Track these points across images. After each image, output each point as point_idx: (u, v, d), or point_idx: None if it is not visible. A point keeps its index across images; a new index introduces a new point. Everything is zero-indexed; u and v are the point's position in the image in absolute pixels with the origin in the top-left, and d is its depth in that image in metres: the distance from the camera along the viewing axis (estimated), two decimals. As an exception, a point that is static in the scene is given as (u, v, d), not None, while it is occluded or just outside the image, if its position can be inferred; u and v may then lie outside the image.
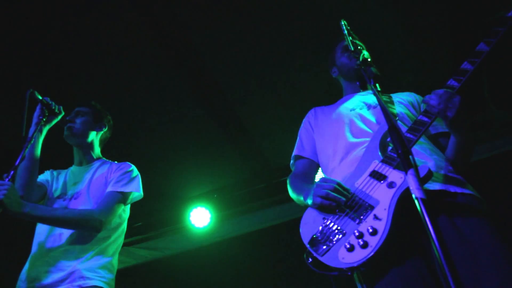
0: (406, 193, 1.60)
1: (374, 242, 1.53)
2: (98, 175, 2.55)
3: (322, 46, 3.67)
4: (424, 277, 1.53)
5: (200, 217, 4.90)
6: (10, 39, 3.43)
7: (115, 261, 2.41)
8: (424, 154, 1.84)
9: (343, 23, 1.81)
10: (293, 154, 2.36)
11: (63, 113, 2.56)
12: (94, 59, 3.69)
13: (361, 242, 1.54)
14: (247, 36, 3.66)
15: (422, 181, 1.32)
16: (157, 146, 4.47)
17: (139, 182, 2.55)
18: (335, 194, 1.72)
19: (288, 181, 2.21)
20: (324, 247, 1.64)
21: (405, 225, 1.59)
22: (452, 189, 1.71)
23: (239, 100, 4.17)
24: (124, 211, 2.56)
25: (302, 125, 2.45)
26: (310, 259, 1.64)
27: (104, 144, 2.86)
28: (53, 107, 2.48)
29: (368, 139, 1.95)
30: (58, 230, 2.32)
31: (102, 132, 2.79)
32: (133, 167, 2.61)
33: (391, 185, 1.66)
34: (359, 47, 1.68)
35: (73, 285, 2.15)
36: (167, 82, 3.95)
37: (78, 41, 3.50)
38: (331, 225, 1.69)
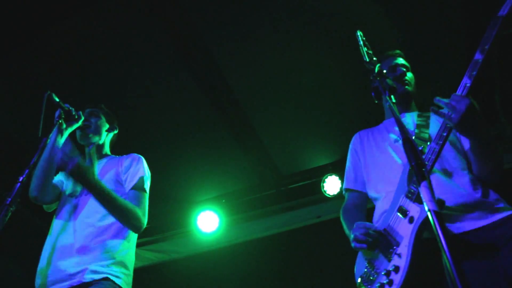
0: (425, 224, 1.65)
1: (397, 279, 1.60)
2: (108, 169, 2.59)
3: (333, 52, 3.71)
4: None
5: (208, 222, 4.92)
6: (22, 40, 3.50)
7: (130, 256, 2.42)
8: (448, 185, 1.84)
9: (358, 34, 1.80)
10: (344, 186, 2.37)
11: (82, 118, 2.60)
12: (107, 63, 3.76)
13: (388, 281, 1.63)
14: (267, 50, 3.70)
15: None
16: (166, 148, 4.49)
17: (147, 167, 2.63)
18: (364, 237, 1.83)
19: (340, 215, 2.25)
20: (367, 287, 1.77)
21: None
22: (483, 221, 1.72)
23: (251, 106, 4.19)
24: None
25: (349, 152, 2.42)
26: None
27: (112, 145, 2.90)
28: (73, 113, 2.52)
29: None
30: (72, 227, 2.35)
31: (112, 133, 2.85)
32: (141, 157, 2.66)
33: (411, 220, 1.70)
34: (374, 59, 1.68)
35: (85, 278, 2.17)
36: (177, 84, 3.99)
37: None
38: (370, 265, 1.81)
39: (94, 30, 3.52)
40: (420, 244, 1.64)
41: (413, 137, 1.99)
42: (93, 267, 2.21)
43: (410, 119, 2.19)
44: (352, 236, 1.90)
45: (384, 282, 1.66)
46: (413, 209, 1.71)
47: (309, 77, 3.95)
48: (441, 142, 1.77)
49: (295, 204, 4.83)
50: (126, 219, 2.31)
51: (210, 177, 4.85)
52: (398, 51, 2.45)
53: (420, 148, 1.85)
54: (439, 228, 0.97)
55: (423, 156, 1.78)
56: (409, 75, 2.35)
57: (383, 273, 1.69)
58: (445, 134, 1.77)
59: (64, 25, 3.42)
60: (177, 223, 5.21)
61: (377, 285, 1.69)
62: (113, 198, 2.27)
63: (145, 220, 2.38)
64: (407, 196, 1.78)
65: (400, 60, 2.38)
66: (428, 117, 2.15)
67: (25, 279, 2.44)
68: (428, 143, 1.94)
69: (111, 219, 2.38)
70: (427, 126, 2.08)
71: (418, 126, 2.10)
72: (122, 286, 2.27)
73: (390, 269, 1.66)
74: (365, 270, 1.83)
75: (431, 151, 1.78)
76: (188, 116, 4.26)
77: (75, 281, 2.17)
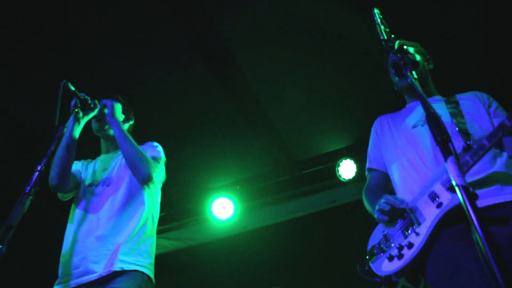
0: (451, 212, 1.68)
1: (408, 254, 1.68)
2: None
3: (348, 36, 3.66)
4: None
5: (223, 209, 4.94)
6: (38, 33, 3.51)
7: (153, 245, 2.45)
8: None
9: (375, 11, 1.75)
10: (366, 166, 2.39)
11: (98, 107, 2.59)
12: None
13: (399, 254, 1.70)
14: (281, 36, 3.67)
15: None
16: (180, 136, 4.49)
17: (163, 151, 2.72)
18: (387, 207, 1.87)
19: (362, 194, 2.27)
20: (377, 256, 1.87)
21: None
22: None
23: (265, 91, 4.17)
24: (157, 194, 2.64)
25: (371, 135, 2.42)
26: (366, 267, 1.88)
27: None
28: (89, 102, 2.51)
29: (428, 159, 1.94)
30: (96, 217, 2.37)
31: (128, 124, 2.84)
32: (157, 143, 2.73)
33: (439, 205, 1.72)
34: (392, 36, 1.63)
35: (115, 267, 2.19)
36: (191, 71, 3.97)
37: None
38: (385, 238, 1.88)
39: (108, 19, 3.52)
40: (439, 231, 1.69)
41: (456, 129, 1.95)
42: (122, 256, 2.23)
43: (441, 108, 2.09)
44: (376, 207, 1.94)
45: (394, 254, 1.74)
46: (444, 196, 1.72)
47: (323, 61, 3.91)
48: (494, 140, 1.74)
49: (310, 189, 4.82)
50: (141, 165, 2.39)
51: (224, 164, 4.85)
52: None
53: (469, 143, 1.82)
54: (468, 203, 0.95)
55: (471, 151, 1.76)
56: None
57: (396, 246, 1.76)
58: (500, 134, 1.74)
59: (79, 13, 3.42)
60: (192, 211, 5.24)
61: (387, 256, 1.77)
62: (129, 137, 2.49)
63: (154, 173, 2.44)
64: (442, 183, 1.78)
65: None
66: (457, 103, 2.11)
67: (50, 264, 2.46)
68: (471, 137, 1.91)
69: (137, 210, 2.41)
70: (460, 114, 2.04)
71: (452, 115, 2.04)
72: (150, 276, 2.31)
73: (404, 244, 1.73)
74: (379, 241, 1.91)
75: (481, 146, 1.75)
76: (202, 103, 4.26)
77: (105, 270, 2.19)
